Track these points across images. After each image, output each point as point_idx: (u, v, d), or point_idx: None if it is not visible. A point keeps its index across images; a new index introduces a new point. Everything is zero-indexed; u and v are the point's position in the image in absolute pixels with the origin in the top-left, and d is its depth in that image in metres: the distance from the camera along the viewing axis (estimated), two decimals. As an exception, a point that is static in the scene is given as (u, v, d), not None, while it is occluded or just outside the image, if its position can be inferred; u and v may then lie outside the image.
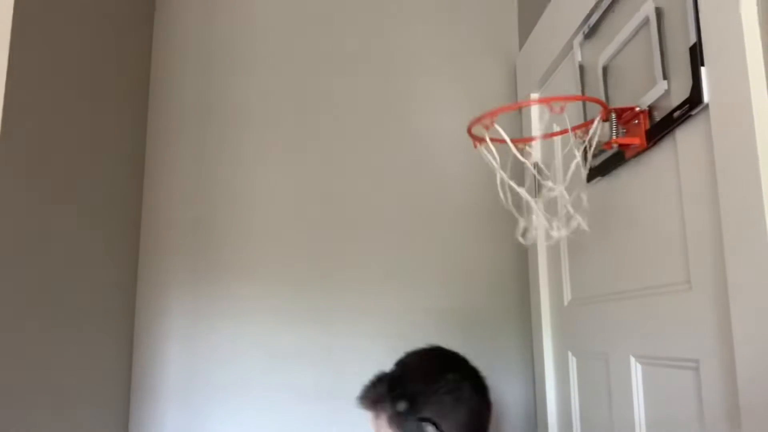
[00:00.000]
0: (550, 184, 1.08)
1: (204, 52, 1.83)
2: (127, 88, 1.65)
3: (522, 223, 1.15)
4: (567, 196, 1.12)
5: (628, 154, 1.15)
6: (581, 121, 1.37)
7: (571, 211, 1.13)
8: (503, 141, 1.12)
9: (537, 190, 1.62)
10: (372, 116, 1.83)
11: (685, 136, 1.00)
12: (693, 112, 0.96)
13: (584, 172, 1.30)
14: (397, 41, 1.88)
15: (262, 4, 1.87)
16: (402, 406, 0.97)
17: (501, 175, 1.15)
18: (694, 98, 0.94)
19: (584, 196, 1.16)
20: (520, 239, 1.14)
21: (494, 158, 1.15)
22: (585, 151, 1.33)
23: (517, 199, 1.80)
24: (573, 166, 1.16)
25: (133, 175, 1.69)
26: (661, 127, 1.04)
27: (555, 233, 1.14)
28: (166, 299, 1.70)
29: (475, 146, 1.20)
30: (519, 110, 1.80)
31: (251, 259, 1.73)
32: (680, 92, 1.00)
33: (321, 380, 1.68)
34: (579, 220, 1.12)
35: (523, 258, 1.78)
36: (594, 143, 1.13)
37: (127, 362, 1.63)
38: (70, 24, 1.34)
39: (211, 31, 1.85)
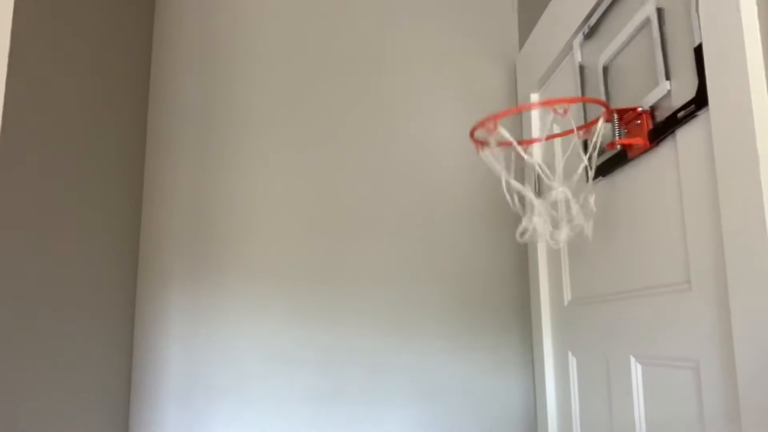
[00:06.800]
0: (555, 184, 1.08)
1: (203, 52, 1.83)
2: (127, 88, 1.65)
3: (524, 223, 1.15)
4: (571, 198, 1.12)
5: (631, 154, 1.15)
6: (582, 122, 1.37)
7: (575, 214, 1.13)
8: (504, 144, 1.12)
9: (538, 191, 1.62)
10: (372, 116, 1.83)
11: (685, 136, 1.00)
12: (699, 113, 0.95)
13: (590, 173, 1.30)
14: (397, 42, 1.88)
15: (261, 4, 1.87)
16: None
17: (506, 177, 1.15)
18: (700, 98, 0.94)
19: (591, 199, 1.16)
20: (519, 239, 1.14)
21: (498, 162, 1.15)
22: (589, 152, 1.33)
23: (519, 199, 1.80)
24: (581, 168, 1.16)
25: (133, 175, 1.69)
26: (664, 127, 1.04)
27: (558, 235, 1.14)
28: (166, 299, 1.70)
29: (477, 150, 1.20)
30: (519, 112, 1.80)
31: (251, 259, 1.73)
32: (682, 92, 1.00)
33: (321, 380, 1.68)
34: (583, 224, 1.12)
35: (523, 258, 1.78)
36: (598, 144, 1.13)
37: (127, 362, 1.63)
38: (70, 24, 1.34)
39: (211, 32, 1.85)
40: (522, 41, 1.88)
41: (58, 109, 1.29)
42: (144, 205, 1.74)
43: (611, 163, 1.23)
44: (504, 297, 1.76)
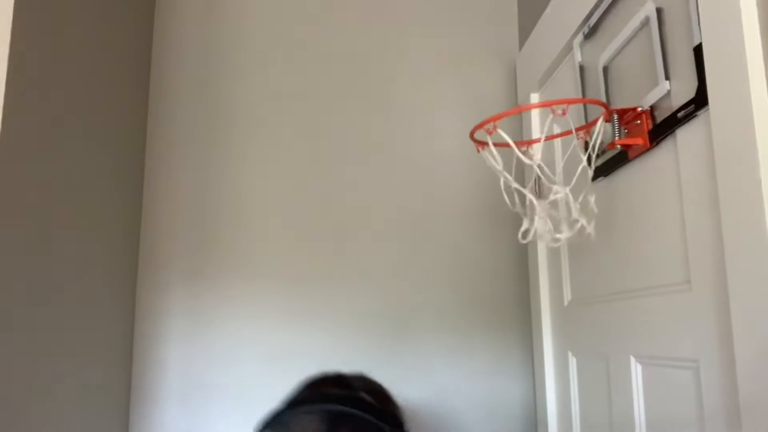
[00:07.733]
0: (556, 187, 1.08)
1: (203, 53, 1.83)
2: (127, 88, 1.65)
3: (525, 224, 1.15)
4: (572, 199, 1.12)
5: (631, 154, 1.15)
6: (582, 121, 1.37)
7: (575, 214, 1.13)
8: (505, 145, 1.13)
9: (539, 192, 1.62)
10: (372, 116, 1.83)
11: (685, 136, 1.00)
12: (699, 113, 0.95)
13: (590, 173, 1.30)
14: (397, 42, 1.89)
15: (261, 5, 1.87)
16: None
17: (506, 177, 1.15)
18: (700, 98, 0.94)
19: (592, 198, 1.16)
20: (521, 240, 1.14)
21: (497, 162, 1.15)
22: (588, 153, 1.33)
23: (520, 199, 1.80)
24: (580, 168, 1.17)
25: (133, 175, 1.70)
26: (663, 127, 1.05)
27: (559, 235, 1.14)
28: (166, 299, 1.70)
29: (478, 150, 1.21)
30: (519, 113, 1.80)
31: (251, 259, 1.73)
32: (682, 92, 1.00)
33: (321, 380, 1.68)
34: (585, 224, 1.12)
35: (523, 258, 1.78)
36: (597, 144, 1.13)
37: (127, 362, 1.63)
38: (70, 25, 1.34)
39: (212, 32, 1.85)
40: (522, 41, 1.88)
41: (58, 110, 1.29)
42: (144, 205, 1.74)
43: (611, 164, 1.24)
44: (504, 297, 1.76)
